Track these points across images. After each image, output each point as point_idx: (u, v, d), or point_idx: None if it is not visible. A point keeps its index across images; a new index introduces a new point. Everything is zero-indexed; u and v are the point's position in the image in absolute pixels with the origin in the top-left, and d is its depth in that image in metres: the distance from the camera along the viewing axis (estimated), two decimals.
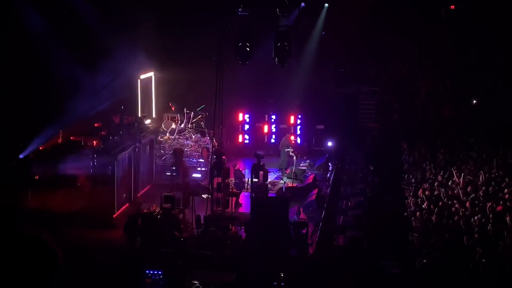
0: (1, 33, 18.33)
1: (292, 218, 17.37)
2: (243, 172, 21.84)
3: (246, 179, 21.26)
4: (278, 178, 22.73)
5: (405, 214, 19.61)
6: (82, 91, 19.84)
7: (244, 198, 20.63)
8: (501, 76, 31.18)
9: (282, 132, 27.86)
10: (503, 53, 31.78)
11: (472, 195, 19.00)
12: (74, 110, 19.25)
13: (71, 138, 19.80)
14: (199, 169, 22.74)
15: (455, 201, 18.50)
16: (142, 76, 24.45)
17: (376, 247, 17.01)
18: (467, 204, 17.98)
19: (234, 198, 19.37)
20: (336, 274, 15.46)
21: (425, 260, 15.51)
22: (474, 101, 31.08)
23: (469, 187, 19.86)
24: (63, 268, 2.98)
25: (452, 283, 14.28)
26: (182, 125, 24.79)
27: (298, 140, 27.56)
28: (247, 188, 21.04)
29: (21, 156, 18.44)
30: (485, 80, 31.33)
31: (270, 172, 20.27)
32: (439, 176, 21.94)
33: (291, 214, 17.52)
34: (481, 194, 19.12)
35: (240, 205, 20.18)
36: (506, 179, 20.83)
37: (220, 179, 18.46)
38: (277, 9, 22.43)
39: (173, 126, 24.56)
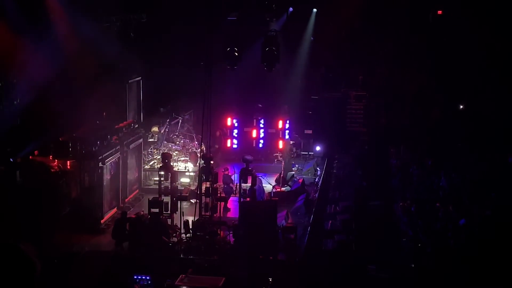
0: None
1: (280, 222, 17.37)
2: (232, 177, 21.82)
3: (235, 184, 21.25)
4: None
5: (393, 218, 19.67)
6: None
7: (232, 203, 20.62)
8: (488, 80, 31.37)
9: (270, 137, 27.90)
10: (490, 56, 31.99)
11: (458, 198, 19.11)
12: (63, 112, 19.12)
13: (60, 139, 19.65)
14: (187, 174, 22.71)
15: (442, 205, 18.58)
16: (131, 81, 24.38)
17: (364, 251, 17.04)
18: (454, 208, 18.07)
19: (223, 203, 19.35)
20: (325, 278, 15.47)
21: (413, 264, 15.57)
22: (461, 106, 31.24)
23: (456, 191, 19.96)
24: (41, 280, 2.96)
25: (441, 287, 14.34)
26: (168, 130, 24.74)
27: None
28: (235, 193, 21.03)
29: (11, 159, 18.27)
30: (472, 83, 31.50)
31: (258, 177, 20.24)
32: (427, 180, 22.05)
33: (280, 219, 17.52)
34: (468, 197, 19.23)
35: (229, 210, 20.16)
36: (493, 182, 20.98)
37: (208, 184, 18.44)
38: (265, 14, 22.51)
39: (161, 131, 24.52)
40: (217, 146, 26.79)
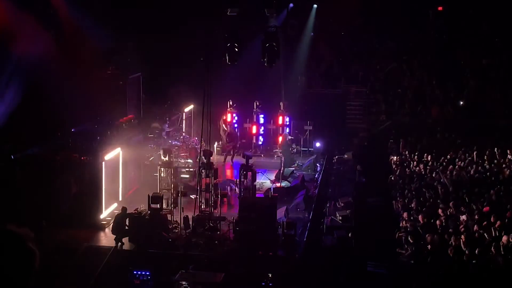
0: None
1: (280, 218, 17.39)
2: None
3: (235, 180, 21.24)
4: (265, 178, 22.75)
5: (393, 214, 19.70)
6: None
7: (232, 198, 20.63)
8: (487, 77, 31.38)
9: (270, 133, 27.90)
10: (490, 53, 32.01)
11: (458, 195, 19.13)
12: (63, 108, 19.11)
13: (60, 134, 19.68)
14: (187, 169, 22.71)
15: (442, 202, 18.60)
16: (131, 76, 24.39)
17: (363, 247, 17.08)
18: (453, 205, 18.09)
19: (225, 199, 19.44)
20: (324, 274, 15.50)
21: (412, 261, 15.59)
22: (461, 102, 31.25)
23: (455, 187, 19.98)
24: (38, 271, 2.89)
25: (440, 284, 14.36)
26: (168, 126, 24.76)
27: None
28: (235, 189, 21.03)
29: (12, 156, 18.27)
30: (471, 81, 31.50)
31: (258, 172, 20.25)
32: (427, 177, 22.07)
33: (279, 215, 17.54)
34: (468, 194, 19.26)
35: (232, 206, 20.17)
36: (493, 178, 21.03)
37: (208, 180, 18.45)
38: (266, 10, 22.51)
39: (162, 126, 24.52)
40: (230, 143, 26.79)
